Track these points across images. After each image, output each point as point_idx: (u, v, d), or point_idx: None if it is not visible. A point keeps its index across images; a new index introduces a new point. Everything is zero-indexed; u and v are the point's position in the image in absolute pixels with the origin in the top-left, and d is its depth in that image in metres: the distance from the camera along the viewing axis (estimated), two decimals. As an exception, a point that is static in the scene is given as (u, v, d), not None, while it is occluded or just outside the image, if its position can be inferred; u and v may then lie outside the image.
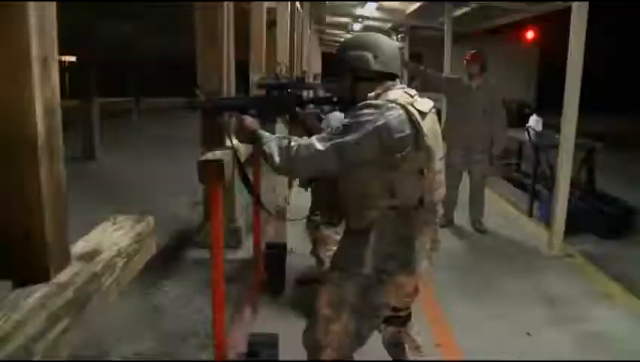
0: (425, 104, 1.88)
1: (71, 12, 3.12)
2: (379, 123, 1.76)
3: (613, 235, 5.13)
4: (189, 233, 4.77)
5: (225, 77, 3.24)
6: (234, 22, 3.40)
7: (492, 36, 12.94)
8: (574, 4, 4.32)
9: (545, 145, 5.90)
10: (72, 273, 1.02)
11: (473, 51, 5.17)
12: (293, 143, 1.84)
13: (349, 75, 1.96)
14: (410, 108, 1.80)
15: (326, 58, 20.97)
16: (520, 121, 7.77)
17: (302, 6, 9.27)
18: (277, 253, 3.66)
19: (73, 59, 12.51)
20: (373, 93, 1.89)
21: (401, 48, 12.90)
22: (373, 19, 13.25)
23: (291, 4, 6.82)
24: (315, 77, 10.20)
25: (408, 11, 11.85)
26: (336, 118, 2.64)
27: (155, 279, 3.77)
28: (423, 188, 1.87)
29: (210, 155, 2.29)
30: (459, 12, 10.12)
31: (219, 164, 2.13)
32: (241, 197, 3.98)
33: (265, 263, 3.59)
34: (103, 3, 5.78)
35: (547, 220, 5.07)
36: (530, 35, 14.25)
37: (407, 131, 1.78)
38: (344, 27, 15.81)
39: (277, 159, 1.84)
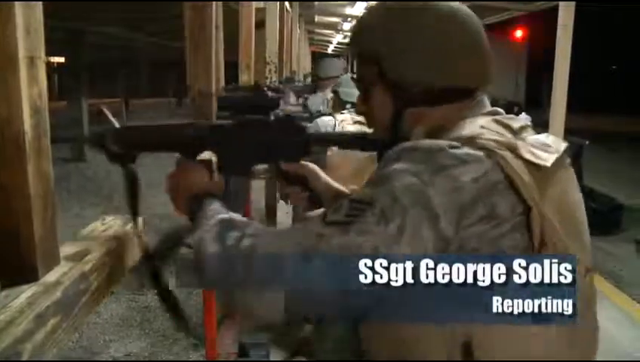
0: (545, 148, 0.82)
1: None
2: (430, 192, 0.72)
3: (603, 233, 5.17)
4: (180, 233, 4.75)
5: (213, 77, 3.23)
6: (223, 22, 3.40)
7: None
8: (561, 3, 4.35)
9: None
10: (61, 273, 1.02)
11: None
12: (246, 241, 0.76)
13: (387, 94, 0.89)
14: (507, 156, 0.76)
15: (316, 58, 21.00)
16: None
17: (291, 6, 9.28)
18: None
19: (62, 60, 12.43)
20: (421, 128, 0.87)
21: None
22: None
23: (280, 4, 6.82)
24: (304, 77, 10.19)
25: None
26: (325, 124, 1.95)
27: (144, 279, 3.75)
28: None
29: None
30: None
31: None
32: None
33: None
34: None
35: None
36: (519, 33, 14.33)
37: (502, 207, 0.73)
38: (334, 27, 15.81)
39: (210, 270, 0.79)
